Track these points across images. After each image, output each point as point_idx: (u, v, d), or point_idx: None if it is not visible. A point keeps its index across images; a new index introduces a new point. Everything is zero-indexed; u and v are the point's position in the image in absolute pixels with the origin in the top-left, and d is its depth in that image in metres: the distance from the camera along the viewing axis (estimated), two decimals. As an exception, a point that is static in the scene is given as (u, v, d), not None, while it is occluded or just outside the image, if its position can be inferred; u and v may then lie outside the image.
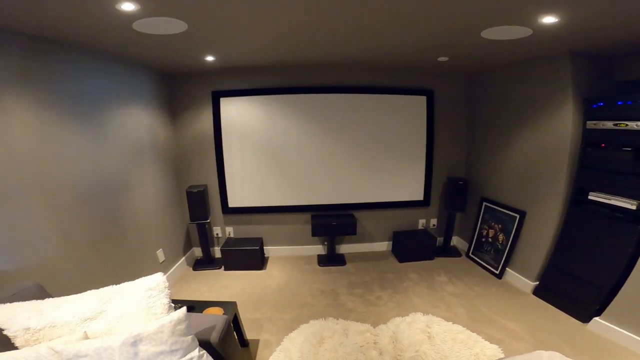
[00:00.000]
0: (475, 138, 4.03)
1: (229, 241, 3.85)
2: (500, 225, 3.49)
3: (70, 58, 2.24)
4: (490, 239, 3.62)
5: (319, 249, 4.11)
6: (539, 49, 2.69)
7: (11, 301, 1.39)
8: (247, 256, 3.62)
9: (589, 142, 2.67)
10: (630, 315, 2.23)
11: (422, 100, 3.91)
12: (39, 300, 1.43)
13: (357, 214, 3.99)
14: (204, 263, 3.78)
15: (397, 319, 2.61)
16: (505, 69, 3.43)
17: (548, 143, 2.95)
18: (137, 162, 3.02)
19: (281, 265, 3.77)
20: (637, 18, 1.88)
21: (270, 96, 3.70)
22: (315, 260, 3.89)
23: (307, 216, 3.98)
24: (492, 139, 3.70)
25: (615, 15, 1.84)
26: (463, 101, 4.06)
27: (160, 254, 3.27)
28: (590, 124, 2.64)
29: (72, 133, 2.25)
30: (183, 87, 3.69)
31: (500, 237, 3.46)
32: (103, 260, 2.46)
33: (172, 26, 1.99)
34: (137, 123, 3.05)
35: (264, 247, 4.00)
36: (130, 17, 1.79)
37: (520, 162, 3.28)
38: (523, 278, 3.16)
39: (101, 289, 1.53)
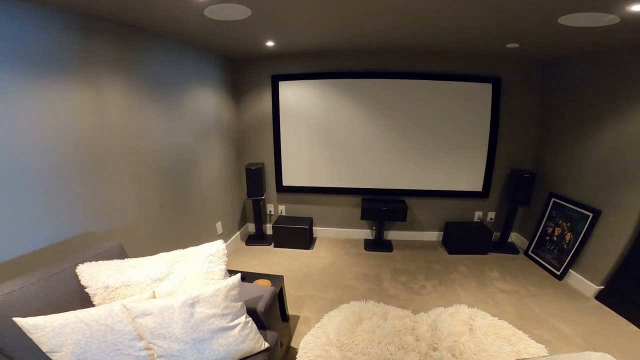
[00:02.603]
0: (547, 129, 3.65)
1: (281, 219, 4.06)
2: (568, 224, 3.19)
3: (152, 44, 2.49)
4: (555, 238, 3.33)
5: (367, 234, 4.14)
6: (626, 38, 2.36)
7: (96, 260, 1.60)
8: (296, 235, 3.79)
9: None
10: None
11: (487, 87, 3.63)
12: (119, 260, 1.65)
13: (409, 201, 3.93)
14: (256, 239, 4.05)
15: (439, 309, 2.58)
16: (586, 57, 3.05)
17: (631, 139, 2.60)
18: (205, 139, 3.30)
19: (328, 247, 3.89)
20: None
21: (326, 80, 3.73)
22: (362, 244, 3.94)
23: (357, 199, 4.01)
24: (567, 131, 3.33)
25: None
26: (534, 89, 3.68)
27: (219, 227, 3.59)
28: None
29: (153, 110, 2.53)
30: (245, 71, 3.88)
31: (568, 236, 3.17)
32: (171, 227, 2.77)
33: (238, 12, 2.11)
34: (206, 103, 3.30)
35: (313, 227, 4.15)
36: (202, 4, 1.93)
37: (600, 156, 2.93)
38: (586, 281, 2.92)
39: (170, 252, 1.71)
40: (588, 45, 2.76)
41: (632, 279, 2.55)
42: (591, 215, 2.94)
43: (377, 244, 3.87)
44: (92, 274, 1.50)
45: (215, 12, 2.09)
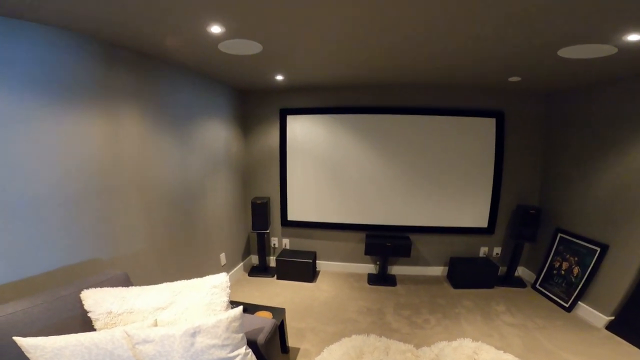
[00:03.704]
0: (551, 164, 3.70)
1: (284, 252, 4.07)
2: (576, 258, 3.16)
3: (168, 74, 2.64)
4: (562, 272, 3.29)
5: (371, 268, 4.10)
6: (626, 68, 2.46)
7: (101, 286, 1.63)
8: (299, 268, 3.78)
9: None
10: None
11: (490, 122, 3.73)
12: (124, 288, 1.67)
13: (413, 237, 3.92)
14: (259, 270, 4.04)
15: (443, 343, 2.51)
16: (588, 88, 3.16)
17: (637, 174, 2.64)
18: (213, 171, 3.41)
19: (331, 280, 3.85)
20: None
21: (333, 115, 3.88)
22: (366, 278, 3.89)
23: (361, 235, 4.02)
24: (572, 166, 3.38)
25: None
26: (538, 123, 3.77)
27: (223, 258, 3.60)
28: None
29: (166, 142, 2.65)
30: (255, 103, 4.07)
31: (575, 270, 3.14)
32: (176, 257, 2.82)
33: (250, 47, 2.29)
34: (216, 135, 3.45)
35: (317, 261, 4.14)
36: (217, 39, 2.10)
37: (606, 191, 2.95)
38: (596, 312, 2.85)
39: (175, 282, 1.74)
40: (589, 77, 2.85)
41: None
42: (599, 249, 2.92)
43: (381, 279, 3.82)
44: (96, 300, 1.54)
45: (228, 47, 2.26)
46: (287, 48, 2.32)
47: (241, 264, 4.09)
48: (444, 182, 3.84)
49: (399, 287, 3.68)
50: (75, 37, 1.86)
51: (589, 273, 2.96)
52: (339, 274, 4.03)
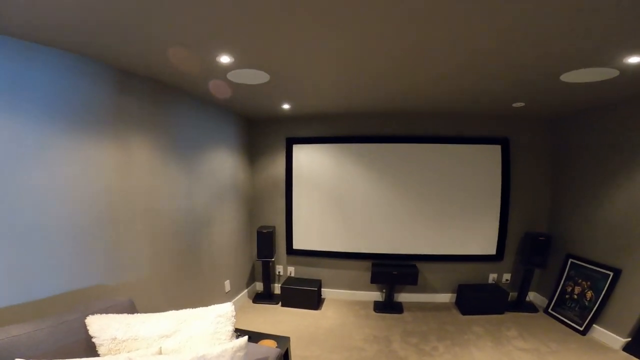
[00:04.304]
0: (559, 190, 3.70)
1: (289, 280, 4.03)
2: (588, 283, 3.10)
3: (178, 102, 2.73)
4: (575, 296, 3.21)
5: (377, 296, 4.02)
6: (628, 90, 2.50)
7: (107, 312, 1.65)
8: (304, 295, 3.73)
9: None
10: None
11: (496, 149, 3.76)
12: (129, 315, 1.69)
13: (420, 265, 3.87)
14: (264, 297, 3.98)
15: (451, 371, 2.41)
16: (593, 112, 3.20)
17: None
18: (220, 200, 3.46)
19: (336, 308, 3.77)
20: None
21: (339, 144, 3.95)
22: (372, 306, 3.81)
23: (367, 263, 3.98)
24: (580, 191, 3.37)
25: None
26: (544, 150, 3.79)
27: (227, 285, 3.57)
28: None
29: (174, 172, 2.71)
30: (261, 132, 4.18)
31: (589, 294, 3.07)
32: (181, 284, 2.82)
33: (258, 77, 2.39)
34: (224, 164, 3.52)
35: (322, 289, 4.08)
36: (226, 68, 2.21)
37: (615, 218, 2.94)
38: (612, 334, 2.78)
39: (180, 311, 1.76)
40: (592, 102, 2.89)
41: None
42: (612, 274, 2.88)
43: (387, 306, 3.73)
44: (101, 326, 1.55)
45: (237, 76, 2.37)
46: (293, 78, 2.43)
47: (245, 290, 4.05)
48: (451, 210, 3.84)
49: (405, 314, 3.59)
50: (91, 64, 1.94)
51: (603, 296, 2.90)
52: (345, 302, 3.95)
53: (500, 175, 3.77)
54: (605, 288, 2.89)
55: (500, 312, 3.50)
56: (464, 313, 3.56)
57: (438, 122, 3.79)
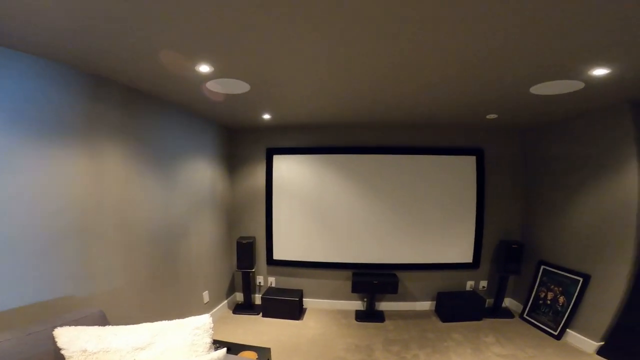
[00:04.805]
0: (531, 199, 3.86)
1: (270, 290, 3.97)
2: (560, 288, 3.22)
3: (155, 111, 2.66)
4: (548, 301, 3.32)
5: (358, 305, 4.01)
6: (594, 102, 2.63)
7: (76, 325, 1.57)
8: (285, 306, 3.68)
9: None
10: None
11: (471, 160, 3.89)
12: (100, 327, 1.62)
13: (400, 274, 3.91)
14: (244, 308, 3.90)
15: (432, 378, 2.42)
16: (561, 124, 3.37)
17: (613, 205, 2.78)
18: (198, 211, 3.38)
19: (318, 317, 3.74)
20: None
21: (319, 155, 3.98)
22: (353, 315, 3.80)
23: (348, 273, 3.98)
24: (552, 201, 3.52)
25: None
26: (516, 160, 3.95)
27: (206, 296, 3.48)
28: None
29: (149, 181, 2.63)
30: (241, 142, 4.14)
31: (561, 299, 3.18)
32: (157, 296, 2.72)
33: (238, 87, 2.35)
34: (201, 174, 3.46)
35: (303, 299, 4.04)
36: (205, 77, 2.16)
37: (583, 225, 3.08)
38: (586, 338, 2.86)
39: (155, 323, 1.69)
40: (561, 113, 3.04)
41: (631, 332, 2.54)
42: (581, 279, 2.99)
43: (369, 315, 3.73)
44: (70, 338, 1.47)
45: (217, 86, 2.32)
46: (274, 88, 2.41)
47: (225, 301, 3.95)
48: (429, 220, 3.92)
49: (387, 322, 3.60)
50: (62, 69, 1.87)
51: (574, 302, 3.00)
52: (326, 311, 3.92)
53: (475, 185, 3.89)
54: (576, 293, 2.99)
55: (478, 319, 3.58)
56: (443, 320, 3.61)
57: (416, 134, 3.89)
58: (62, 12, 1.35)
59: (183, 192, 3.10)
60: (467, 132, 3.88)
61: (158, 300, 2.72)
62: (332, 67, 2.01)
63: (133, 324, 1.69)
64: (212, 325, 1.72)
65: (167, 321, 1.71)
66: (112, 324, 1.73)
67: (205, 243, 3.52)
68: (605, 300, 2.76)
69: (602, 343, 2.74)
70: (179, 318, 1.75)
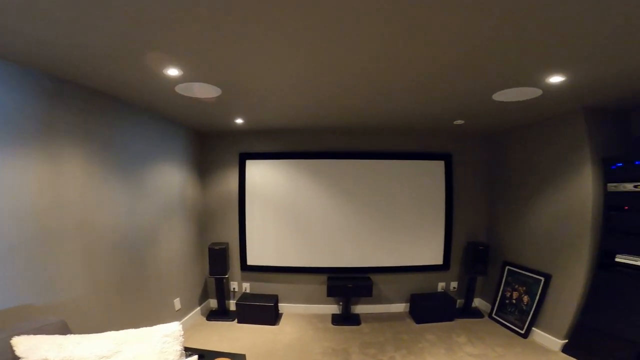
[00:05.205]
0: (495, 202, 4.03)
1: (245, 296, 3.90)
2: (524, 288, 3.37)
3: (120, 113, 2.55)
4: (514, 301, 3.46)
5: (334, 309, 4.01)
6: (551, 108, 2.78)
7: (35, 334, 1.48)
8: (261, 311, 3.62)
9: (612, 205, 2.62)
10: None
11: (440, 165, 4.02)
12: (61, 335, 1.53)
13: (374, 277, 3.95)
14: (218, 314, 3.79)
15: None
16: (522, 130, 3.54)
17: (569, 207, 2.93)
18: (167, 217, 3.26)
19: (294, 322, 3.70)
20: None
21: (292, 160, 3.97)
22: (329, 319, 3.79)
23: (323, 277, 3.97)
24: (513, 203, 3.69)
25: (620, 70, 1.92)
26: (482, 164, 4.12)
27: (177, 303, 3.36)
28: (611, 187, 2.61)
29: (114, 186, 2.51)
30: (213, 146, 4.06)
31: (525, 298, 3.32)
32: (124, 304, 2.59)
33: (209, 91, 2.28)
34: (171, 179, 3.35)
35: (279, 304, 3.99)
36: (174, 81, 2.08)
37: (543, 227, 3.24)
38: (551, 337, 2.98)
39: (120, 331, 1.63)
40: (521, 119, 3.19)
41: (592, 330, 2.64)
42: (543, 279, 3.14)
43: (345, 319, 3.74)
44: (30, 346, 1.40)
45: (186, 90, 2.24)
46: (246, 91, 2.36)
47: (198, 308, 3.83)
48: (401, 224, 4.00)
49: (363, 325, 3.62)
50: (15, 70, 1.76)
51: (538, 301, 3.14)
52: (303, 316, 3.89)
53: (444, 189, 4.02)
54: (539, 292, 3.13)
55: (450, 319, 3.68)
56: (417, 322, 3.68)
57: (388, 139, 3.98)
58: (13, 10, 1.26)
59: (151, 198, 2.98)
60: (436, 137, 4.01)
61: (126, 309, 2.59)
62: (300, 73, 2.02)
63: (98, 333, 1.61)
64: (182, 332, 1.68)
65: (134, 329, 1.66)
66: (76, 334, 1.64)
67: (175, 249, 3.40)
68: (566, 299, 2.88)
69: (566, 341, 2.84)
70: (149, 326, 1.69)
